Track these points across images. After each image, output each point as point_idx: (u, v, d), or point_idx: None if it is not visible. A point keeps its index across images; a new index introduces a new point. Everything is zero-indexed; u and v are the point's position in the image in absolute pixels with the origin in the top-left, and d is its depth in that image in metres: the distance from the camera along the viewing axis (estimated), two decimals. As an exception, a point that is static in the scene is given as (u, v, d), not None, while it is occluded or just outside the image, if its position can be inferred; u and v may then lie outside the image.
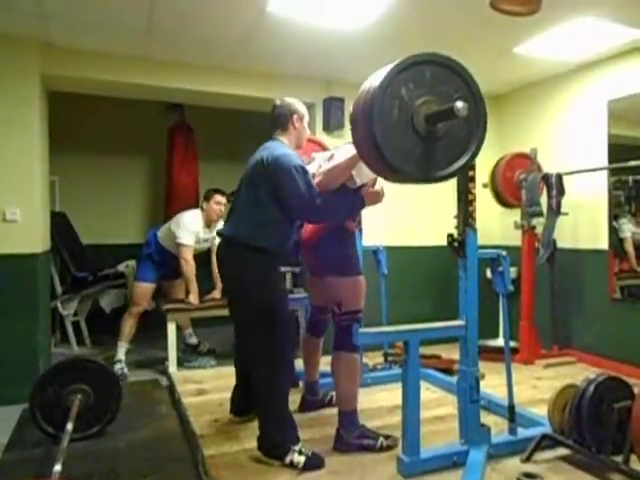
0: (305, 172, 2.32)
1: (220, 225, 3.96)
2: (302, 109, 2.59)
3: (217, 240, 4.14)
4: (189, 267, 3.90)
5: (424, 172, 1.91)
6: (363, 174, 2.38)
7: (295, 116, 2.54)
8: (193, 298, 3.93)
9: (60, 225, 4.70)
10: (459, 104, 1.73)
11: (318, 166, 2.53)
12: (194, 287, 3.93)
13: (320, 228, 2.56)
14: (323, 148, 3.11)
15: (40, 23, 3.17)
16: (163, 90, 3.99)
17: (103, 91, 4.11)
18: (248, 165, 2.49)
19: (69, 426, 2.33)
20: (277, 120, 2.54)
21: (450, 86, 1.90)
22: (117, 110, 5.10)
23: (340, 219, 2.52)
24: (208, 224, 4.06)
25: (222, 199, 4.05)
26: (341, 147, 2.55)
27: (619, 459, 2.10)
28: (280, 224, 2.37)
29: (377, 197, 2.47)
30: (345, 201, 2.42)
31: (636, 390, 2.21)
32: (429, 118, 1.84)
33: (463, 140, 1.94)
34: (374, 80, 1.87)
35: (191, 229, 3.95)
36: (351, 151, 2.21)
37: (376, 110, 1.79)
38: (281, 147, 2.43)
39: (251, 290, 2.35)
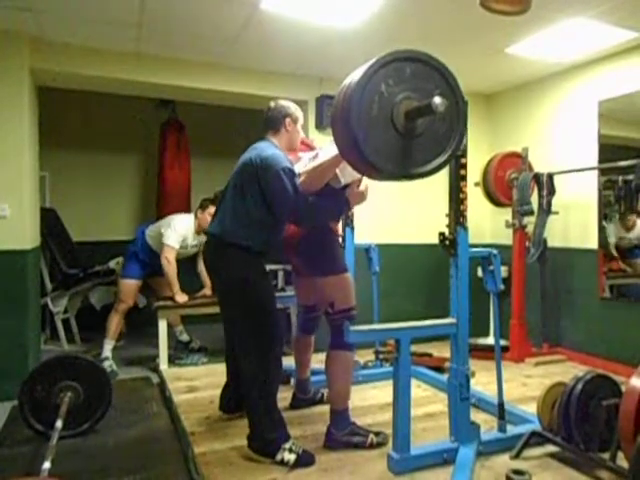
0: (292, 174, 2.33)
1: (200, 238, 4.01)
2: (296, 112, 2.59)
3: (193, 250, 4.15)
4: (171, 267, 3.90)
5: (403, 169, 1.91)
6: (347, 173, 2.38)
7: (288, 119, 2.54)
8: (179, 297, 3.93)
9: (50, 221, 4.66)
10: (437, 100, 1.73)
11: (303, 165, 2.54)
12: (176, 287, 3.93)
13: (302, 228, 2.57)
14: (309, 147, 3.11)
15: (30, 17, 3.14)
16: (154, 86, 3.97)
17: (93, 87, 4.07)
18: (237, 164, 2.50)
19: (58, 423, 2.31)
20: (270, 121, 2.54)
21: (430, 83, 1.90)
22: (108, 106, 5.06)
23: (325, 221, 2.54)
24: (198, 232, 4.07)
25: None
26: (325, 146, 2.56)
27: (607, 456, 2.12)
28: (266, 224, 2.38)
29: (362, 197, 2.49)
30: (330, 203, 2.43)
31: (624, 388, 2.23)
32: (408, 114, 1.84)
33: (443, 137, 1.93)
34: (354, 76, 1.87)
35: (180, 232, 3.96)
36: (335, 150, 2.20)
37: (355, 106, 1.79)
38: (270, 148, 2.43)
39: (238, 289, 2.35)
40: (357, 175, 2.37)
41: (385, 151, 1.85)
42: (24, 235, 3.40)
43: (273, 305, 2.42)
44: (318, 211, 2.38)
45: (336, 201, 2.43)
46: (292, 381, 3.16)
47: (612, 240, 3.91)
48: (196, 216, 4.08)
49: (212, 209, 3.99)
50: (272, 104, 2.58)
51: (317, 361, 2.98)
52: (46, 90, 4.00)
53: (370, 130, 1.81)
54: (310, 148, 3.04)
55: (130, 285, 4.03)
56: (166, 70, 3.85)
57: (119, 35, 3.44)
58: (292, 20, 3.16)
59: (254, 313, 2.33)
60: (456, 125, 1.95)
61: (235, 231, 2.35)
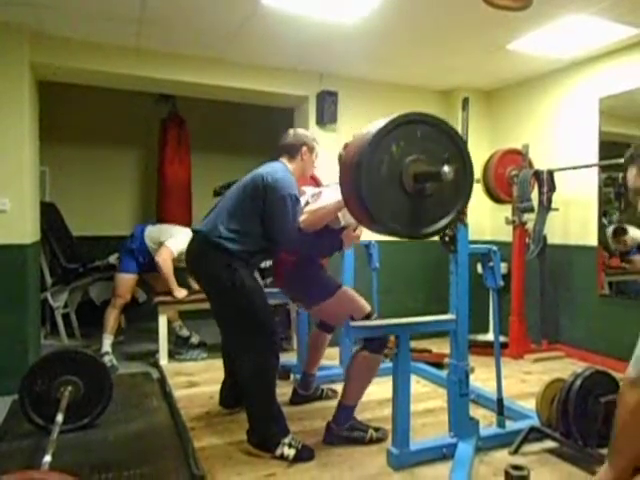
0: (297, 203, 2.39)
1: None
2: (313, 142, 2.67)
3: None
4: (167, 265, 3.90)
5: (410, 230, 1.93)
6: (348, 216, 2.41)
7: (305, 148, 2.62)
8: (177, 293, 3.93)
9: (50, 216, 4.66)
10: (446, 169, 1.75)
11: (305, 202, 2.58)
12: (174, 284, 3.93)
13: (288, 261, 2.58)
14: (316, 182, 3.15)
15: (30, 11, 3.13)
16: (155, 81, 3.96)
17: (94, 81, 4.06)
18: (248, 175, 2.53)
19: (59, 417, 2.32)
20: (287, 148, 2.63)
21: (439, 145, 1.92)
22: (108, 101, 5.05)
23: (314, 255, 2.58)
24: None
25: None
26: (330, 186, 2.59)
27: (605, 452, 2.13)
28: (256, 238, 2.41)
29: (357, 240, 2.57)
30: (324, 241, 2.49)
31: (622, 384, 2.24)
32: (417, 177, 1.86)
33: (449, 199, 1.94)
34: (367, 134, 1.87)
35: (180, 247, 3.90)
36: (339, 194, 2.23)
37: (364, 166, 1.81)
38: (284, 172, 2.49)
39: (222, 289, 2.36)
40: (352, 220, 2.41)
41: (392, 211, 1.88)
42: (24, 229, 3.40)
43: (261, 303, 2.40)
44: (311, 245, 2.44)
45: (330, 239, 2.48)
46: (292, 377, 3.17)
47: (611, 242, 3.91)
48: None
49: None
50: (291, 131, 2.70)
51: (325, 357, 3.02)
52: (46, 85, 3.99)
53: (378, 190, 1.83)
54: (316, 182, 3.08)
55: (127, 280, 4.03)
56: (167, 65, 3.84)
57: (120, 30, 3.43)
58: (293, 15, 3.15)
59: (243, 313, 2.35)
60: (463, 187, 1.95)
61: (223, 233, 2.37)
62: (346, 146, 2.60)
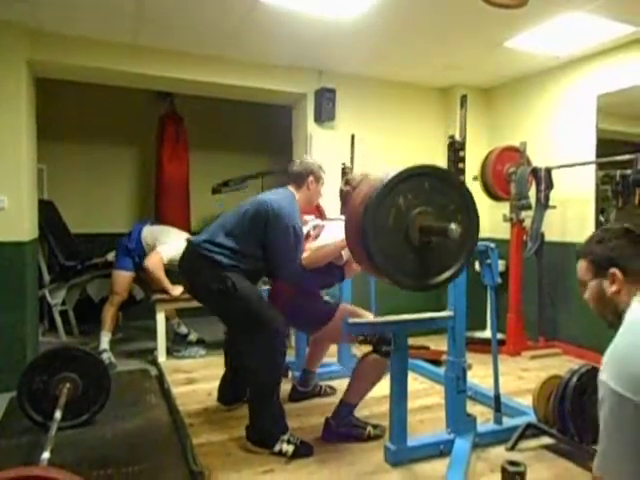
0: (300, 235, 2.42)
1: None
2: (319, 172, 2.69)
3: None
4: (157, 268, 3.87)
5: (414, 281, 1.92)
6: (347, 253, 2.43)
7: (311, 177, 2.64)
8: (173, 291, 3.92)
9: (48, 213, 4.65)
10: (453, 226, 1.75)
11: (307, 232, 2.61)
12: (168, 284, 3.90)
13: (285, 293, 2.57)
14: (319, 211, 3.16)
15: (28, 8, 3.12)
16: (153, 79, 3.95)
17: (92, 78, 4.05)
18: (256, 199, 2.55)
19: (57, 414, 2.32)
20: (294, 176, 2.65)
21: (446, 197, 1.92)
22: (106, 98, 5.04)
23: (313, 286, 2.57)
24: None
25: None
26: (334, 222, 2.61)
27: (601, 448, 2.14)
28: (255, 260, 2.43)
29: (358, 271, 2.57)
30: (325, 275, 2.49)
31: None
32: (423, 230, 1.86)
33: (454, 250, 1.94)
34: (375, 184, 1.87)
35: (171, 255, 3.90)
36: (342, 233, 2.23)
37: (370, 218, 1.81)
38: (290, 201, 2.51)
39: (219, 296, 2.37)
40: None
41: (397, 262, 1.87)
42: (22, 227, 3.39)
43: (259, 303, 2.40)
44: (311, 278, 2.44)
45: (332, 272, 2.49)
46: (290, 374, 3.18)
47: None
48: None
49: None
50: (298, 161, 2.73)
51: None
52: (44, 82, 3.98)
53: (384, 241, 1.83)
54: (320, 212, 3.09)
55: (124, 277, 4.03)
56: (165, 62, 3.84)
57: (117, 27, 3.42)
58: (291, 12, 3.15)
59: (242, 316, 2.36)
60: (469, 239, 1.95)
61: (217, 249, 2.39)
62: (347, 181, 2.63)
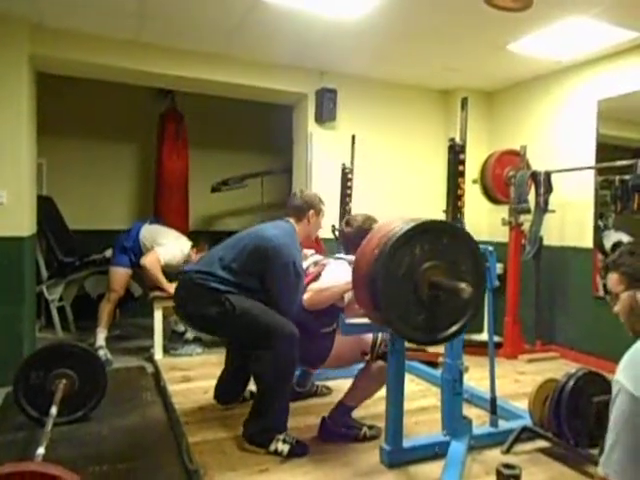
0: (301, 272, 2.41)
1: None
2: (320, 205, 2.70)
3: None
4: (153, 267, 3.86)
5: (422, 334, 1.89)
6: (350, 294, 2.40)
7: (312, 211, 2.64)
8: (170, 288, 3.87)
9: (47, 209, 4.65)
10: (464, 286, 1.74)
11: (307, 267, 2.58)
12: (164, 281, 3.88)
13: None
14: (318, 245, 3.15)
15: (30, 3, 3.12)
16: (154, 76, 3.95)
17: (93, 74, 4.05)
18: (256, 233, 2.52)
19: (53, 410, 2.32)
20: (294, 209, 2.65)
21: (457, 255, 1.91)
22: (107, 94, 5.04)
23: (312, 325, 2.48)
24: (186, 261, 4.04)
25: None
26: (337, 262, 2.57)
27: (596, 452, 2.14)
28: (250, 294, 2.40)
29: (359, 312, 2.48)
30: (323, 316, 2.43)
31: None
32: (433, 285, 1.84)
33: (461, 306, 1.92)
34: (390, 234, 1.84)
35: (167, 258, 3.93)
36: (345, 274, 2.24)
37: (383, 265, 1.79)
38: (291, 235, 2.51)
39: (220, 321, 2.37)
40: None
41: (406, 315, 1.84)
42: (21, 222, 3.39)
43: (261, 313, 2.37)
44: (309, 318, 2.39)
45: (331, 313, 2.43)
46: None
47: (608, 245, 3.91)
48: (192, 247, 4.11)
49: (204, 247, 4.04)
50: (299, 193, 2.72)
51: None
52: (45, 76, 3.98)
53: (393, 291, 1.81)
54: (319, 247, 3.07)
55: (121, 274, 4.03)
56: (166, 60, 3.84)
57: (119, 23, 3.42)
58: (294, 11, 3.15)
59: (248, 332, 2.35)
60: (474, 300, 1.92)
61: (214, 280, 2.37)
62: (347, 222, 2.62)
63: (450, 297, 1.85)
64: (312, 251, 2.80)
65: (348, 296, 2.40)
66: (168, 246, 3.96)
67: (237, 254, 2.43)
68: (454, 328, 1.92)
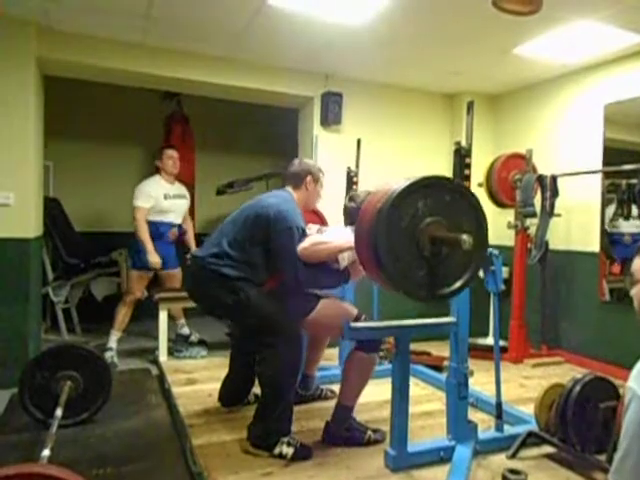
0: (303, 234, 2.38)
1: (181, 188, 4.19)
2: (318, 173, 2.68)
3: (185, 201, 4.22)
4: (139, 225, 3.93)
5: (425, 291, 1.90)
6: (347, 257, 2.43)
7: (309, 177, 2.62)
8: (150, 257, 3.89)
9: (53, 211, 4.67)
10: (464, 237, 1.75)
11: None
12: (149, 246, 3.90)
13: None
14: (320, 218, 3.15)
15: (38, 6, 3.14)
16: (161, 79, 3.97)
17: (100, 77, 4.08)
18: (254, 203, 2.53)
19: (58, 412, 2.33)
20: (292, 177, 2.64)
21: (461, 214, 1.92)
22: (114, 97, 5.07)
23: (320, 287, 2.52)
24: (170, 180, 4.16)
25: (173, 153, 4.17)
26: (340, 227, 2.60)
27: (603, 458, 2.13)
28: (259, 268, 2.41)
29: (361, 272, 2.51)
30: (329, 275, 2.46)
31: (622, 391, 2.24)
32: (435, 239, 1.85)
33: (463, 262, 1.93)
34: (395, 187, 1.85)
35: (144, 190, 4.02)
36: (349, 237, 2.23)
37: (386, 216, 1.79)
38: (290, 202, 2.49)
39: (231, 309, 2.38)
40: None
41: (408, 271, 1.85)
42: (28, 224, 3.41)
43: (272, 309, 2.38)
44: (317, 278, 2.41)
45: (337, 273, 2.46)
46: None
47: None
48: (158, 169, 4.17)
49: (169, 152, 4.16)
50: (296, 161, 2.71)
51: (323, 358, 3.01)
52: (52, 79, 4.00)
53: (395, 244, 1.81)
54: (321, 220, 3.08)
55: (142, 277, 4.02)
56: (173, 63, 3.85)
57: (127, 26, 3.44)
58: (299, 16, 3.15)
59: (257, 325, 2.36)
60: (475, 258, 1.94)
61: (222, 261, 2.37)
62: (351, 198, 2.63)
63: (452, 253, 1.88)
64: (317, 226, 2.78)
65: (350, 257, 2.40)
66: (138, 189, 4.06)
67: (241, 227, 2.43)
68: (457, 284, 1.93)
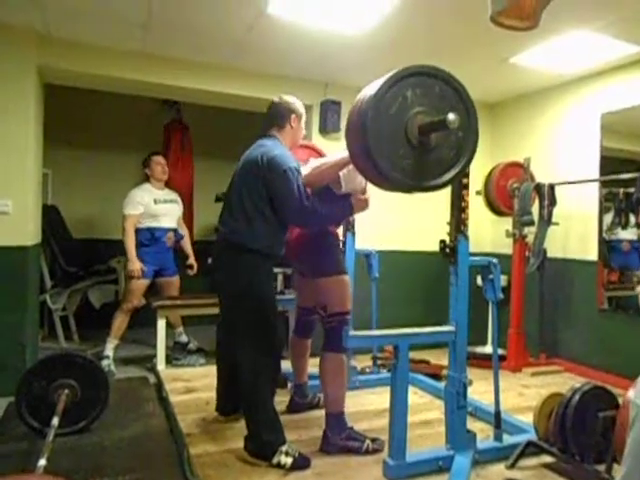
0: (299, 174, 2.33)
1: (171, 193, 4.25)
2: (301, 109, 2.60)
3: (177, 205, 4.28)
4: (127, 235, 3.93)
5: (413, 180, 1.93)
6: (350, 181, 2.43)
7: (293, 115, 2.54)
8: (130, 265, 3.90)
9: (51, 218, 4.67)
10: (451, 116, 1.77)
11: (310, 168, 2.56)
12: (132, 254, 3.91)
13: (304, 232, 2.59)
14: (317, 152, 3.14)
15: (38, 14, 3.15)
16: (160, 87, 3.98)
17: (99, 85, 4.09)
18: (242, 161, 2.50)
19: (55, 421, 2.31)
20: (275, 117, 2.54)
21: (446, 102, 1.96)
22: (113, 105, 5.08)
23: (327, 224, 2.56)
24: (159, 186, 4.20)
25: (161, 159, 4.25)
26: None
27: (602, 468, 2.12)
28: (271, 225, 2.36)
29: (365, 205, 2.51)
30: (334, 208, 2.46)
31: (621, 400, 2.24)
32: (423, 128, 1.87)
33: (452, 156, 1.97)
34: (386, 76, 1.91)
35: (133, 197, 4.04)
36: (342, 152, 2.25)
37: (375, 100, 1.83)
38: (278, 147, 2.43)
39: (242, 291, 2.36)
40: (362, 184, 2.40)
41: (396, 159, 1.88)
42: (26, 231, 3.40)
43: (274, 308, 2.43)
44: (321, 214, 2.38)
45: (340, 206, 2.45)
46: (289, 385, 3.17)
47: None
48: (147, 176, 4.21)
49: (156, 158, 4.22)
50: (276, 99, 2.60)
51: (313, 365, 2.97)
52: (51, 87, 4.01)
53: (384, 128, 1.84)
54: (319, 153, 3.08)
55: (140, 284, 4.00)
56: (172, 71, 3.86)
57: (126, 34, 3.45)
58: (298, 24, 3.18)
59: (255, 315, 2.34)
60: (466, 148, 2.00)
61: (241, 232, 2.35)
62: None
63: (441, 145, 1.92)
64: (318, 159, 2.76)
65: (346, 180, 2.43)
66: (127, 197, 4.06)
67: (241, 187, 2.39)
68: (446, 177, 1.97)
